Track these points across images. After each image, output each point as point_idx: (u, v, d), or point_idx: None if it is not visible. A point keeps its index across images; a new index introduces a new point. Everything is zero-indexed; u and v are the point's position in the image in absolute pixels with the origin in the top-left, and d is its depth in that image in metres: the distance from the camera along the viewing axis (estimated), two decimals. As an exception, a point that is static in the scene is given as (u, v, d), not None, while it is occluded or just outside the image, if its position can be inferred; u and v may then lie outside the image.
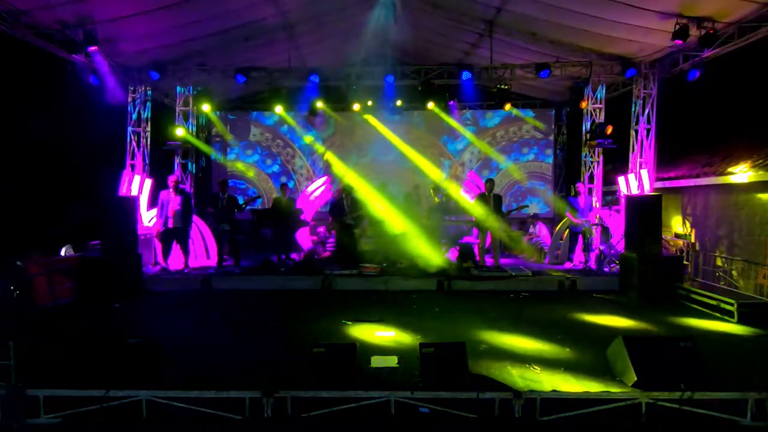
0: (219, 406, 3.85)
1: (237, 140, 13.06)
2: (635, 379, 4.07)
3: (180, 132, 9.98)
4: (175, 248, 8.87)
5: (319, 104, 10.90)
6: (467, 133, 12.84)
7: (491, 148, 13.02)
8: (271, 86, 10.13)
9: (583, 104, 10.31)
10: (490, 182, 9.30)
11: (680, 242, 9.21)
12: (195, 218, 9.59)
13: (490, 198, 9.06)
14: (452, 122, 12.38)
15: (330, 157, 12.60)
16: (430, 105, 10.87)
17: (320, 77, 9.61)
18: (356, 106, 11.31)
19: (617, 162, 10.97)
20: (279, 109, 10.68)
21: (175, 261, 9.00)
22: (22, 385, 3.86)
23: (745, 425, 3.74)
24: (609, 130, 9.82)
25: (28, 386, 3.87)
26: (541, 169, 13.12)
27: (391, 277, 8.44)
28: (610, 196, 11.56)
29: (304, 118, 12.55)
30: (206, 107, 10.44)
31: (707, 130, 10.71)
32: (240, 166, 12.99)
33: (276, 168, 13.18)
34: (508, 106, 10.87)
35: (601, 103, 10.31)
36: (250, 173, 12.94)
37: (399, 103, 11.18)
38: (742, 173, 8.98)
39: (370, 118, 12.19)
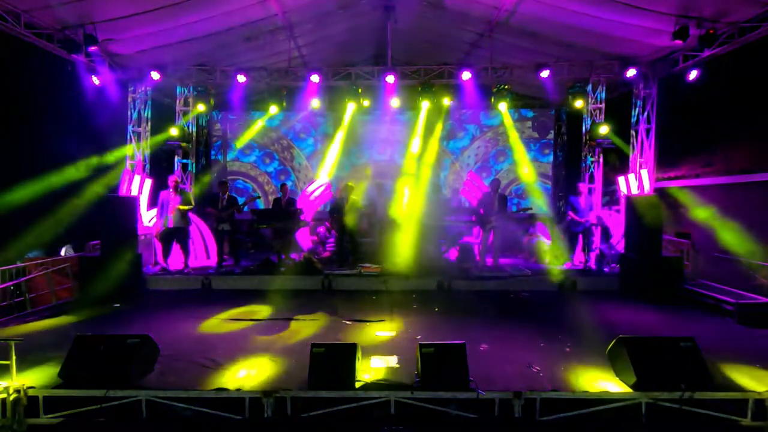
0: (219, 406, 3.85)
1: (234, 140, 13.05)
2: (635, 379, 4.07)
3: (176, 132, 9.99)
4: (175, 248, 8.87)
5: (318, 104, 10.87)
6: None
7: (491, 148, 12.99)
8: (271, 86, 10.12)
9: (579, 104, 10.29)
10: (495, 182, 9.50)
11: (680, 242, 9.21)
12: (195, 218, 9.58)
13: (495, 197, 9.13)
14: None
15: None
16: (430, 105, 10.85)
17: (320, 77, 9.60)
18: (355, 106, 11.29)
19: (617, 162, 10.96)
20: (273, 109, 10.67)
21: (175, 261, 8.99)
22: (22, 385, 3.86)
23: (745, 425, 3.75)
24: (606, 131, 9.81)
25: (28, 386, 3.88)
26: (541, 169, 13.09)
27: (390, 277, 8.43)
28: (609, 196, 11.55)
29: (303, 118, 12.56)
30: (201, 107, 10.43)
31: (707, 130, 10.67)
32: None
33: (275, 168, 13.16)
34: (507, 106, 10.85)
35: (601, 103, 10.29)
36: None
37: (398, 103, 11.17)
38: (742, 173, 8.98)
39: (370, 118, 12.16)
